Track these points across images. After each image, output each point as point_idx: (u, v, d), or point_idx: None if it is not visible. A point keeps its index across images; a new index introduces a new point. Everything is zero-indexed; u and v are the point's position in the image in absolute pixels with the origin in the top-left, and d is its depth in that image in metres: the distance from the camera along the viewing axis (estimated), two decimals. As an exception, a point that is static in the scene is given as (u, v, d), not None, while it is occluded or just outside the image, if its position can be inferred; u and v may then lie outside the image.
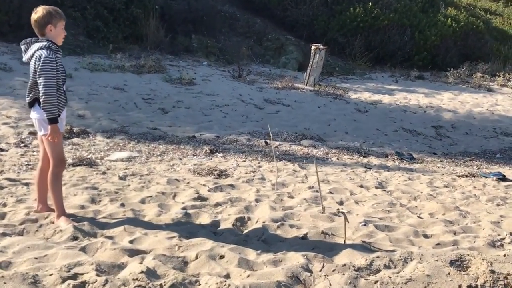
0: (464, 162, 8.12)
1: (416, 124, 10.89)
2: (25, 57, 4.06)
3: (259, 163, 6.95)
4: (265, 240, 4.07)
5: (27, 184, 5.25)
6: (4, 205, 4.57)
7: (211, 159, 6.99)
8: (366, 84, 14.99)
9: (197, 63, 15.29)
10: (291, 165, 6.90)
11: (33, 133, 7.32)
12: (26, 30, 14.17)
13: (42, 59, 3.87)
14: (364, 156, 7.96)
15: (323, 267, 3.45)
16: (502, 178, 6.75)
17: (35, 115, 4.08)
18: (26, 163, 6.02)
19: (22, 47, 4.09)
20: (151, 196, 4.98)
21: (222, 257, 3.58)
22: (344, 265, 3.46)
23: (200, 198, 5.08)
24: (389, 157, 7.94)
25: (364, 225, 4.42)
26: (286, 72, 15.72)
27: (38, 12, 4.01)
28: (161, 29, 15.81)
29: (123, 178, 5.71)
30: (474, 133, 10.65)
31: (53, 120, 3.96)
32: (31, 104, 4.09)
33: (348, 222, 4.19)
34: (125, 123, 8.53)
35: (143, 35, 15.62)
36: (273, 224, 4.34)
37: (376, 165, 7.36)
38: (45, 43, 3.96)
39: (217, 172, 6.12)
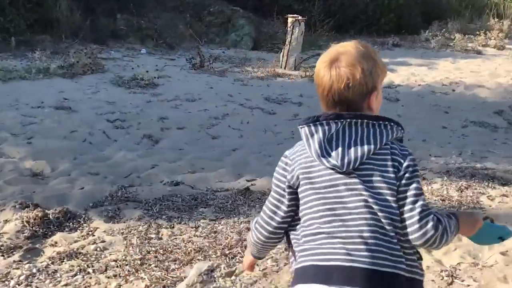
0: None
1: (468, 110, 8.38)
2: (349, 153, 1.66)
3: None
4: None
5: None
6: None
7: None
8: (347, 59, 12.27)
9: (134, 52, 11.71)
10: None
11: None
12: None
13: (412, 159, 1.67)
14: (503, 185, 5.24)
15: None
16: None
17: None
18: None
19: (322, 130, 1.70)
20: None
21: None
22: None
23: None
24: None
25: None
26: (244, 53, 12.56)
27: (355, 63, 1.69)
28: (76, 10, 11.94)
29: None
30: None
31: None
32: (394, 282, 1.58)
33: None
34: (116, 178, 5.09)
35: (53, 20, 11.65)
36: None
37: None
38: (392, 127, 1.71)
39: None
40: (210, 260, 3.61)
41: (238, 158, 5.84)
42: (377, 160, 1.67)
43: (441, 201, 4.77)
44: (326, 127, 1.68)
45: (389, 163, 1.66)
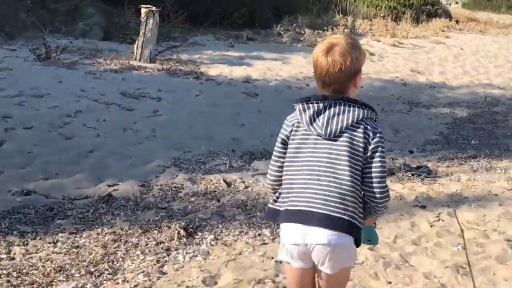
0: (466, 162, 6.20)
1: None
2: (331, 124, 2.18)
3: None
4: None
5: None
6: None
7: (209, 254, 3.69)
8: (203, 52, 12.11)
9: (-34, 42, 10.45)
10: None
11: None
12: None
13: (380, 137, 2.20)
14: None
15: None
16: None
17: (342, 240, 2.14)
18: None
19: (312, 107, 2.21)
20: None
21: None
22: None
23: None
24: (400, 173, 5.54)
25: None
26: (94, 44, 11.84)
27: (345, 52, 2.18)
28: None
29: None
30: (389, 108, 8.91)
31: None
32: (340, 225, 2.14)
33: None
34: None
35: None
36: None
37: (412, 197, 4.90)
38: (366, 109, 2.22)
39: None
40: (73, 280, 3.25)
41: (96, 161, 5.41)
42: (352, 131, 2.16)
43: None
44: (316, 105, 2.18)
45: (361, 135, 2.16)
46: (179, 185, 4.91)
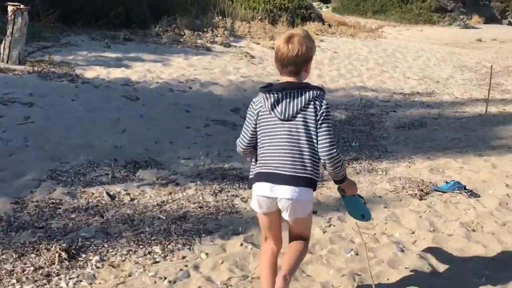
0: (349, 164, 6.35)
1: (208, 108, 8.50)
2: (287, 110, 2.81)
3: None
4: None
5: None
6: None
7: (95, 277, 3.38)
8: (77, 53, 11.41)
9: None
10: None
11: None
12: None
13: (327, 106, 2.83)
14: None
15: None
16: (470, 191, 5.27)
17: (303, 195, 2.80)
18: None
19: (273, 96, 2.82)
20: None
21: None
22: None
23: None
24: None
25: None
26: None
27: (302, 41, 2.81)
28: None
29: None
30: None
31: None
32: (303, 181, 2.81)
33: None
34: None
35: None
36: None
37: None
38: (315, 90, 2.84)
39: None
40: None
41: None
42: (305, 111, 2.78)
43: (199, 209, 4.63)
44: (276, 95, 2.79)
45: (312, 110, 2.78)
46: (57, 201, 4.51)
